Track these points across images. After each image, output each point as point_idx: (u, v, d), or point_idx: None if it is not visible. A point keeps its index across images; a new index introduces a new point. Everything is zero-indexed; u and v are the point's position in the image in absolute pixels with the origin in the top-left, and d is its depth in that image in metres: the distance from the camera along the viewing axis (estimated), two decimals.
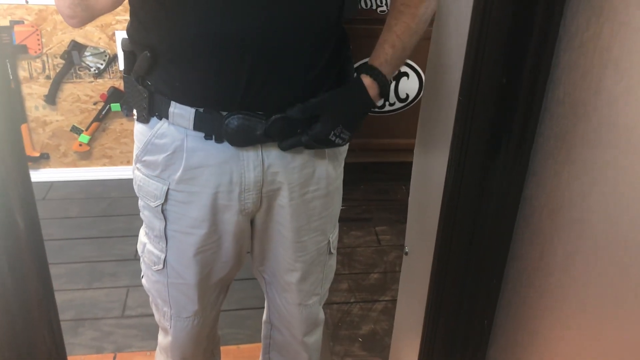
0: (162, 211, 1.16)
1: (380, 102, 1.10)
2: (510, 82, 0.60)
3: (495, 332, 0.76)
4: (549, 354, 0.66)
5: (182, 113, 1.07)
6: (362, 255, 2.59)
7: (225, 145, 1.08)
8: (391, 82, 1.22)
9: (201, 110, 1.06)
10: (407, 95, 3.09)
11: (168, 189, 1.13)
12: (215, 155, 1.10)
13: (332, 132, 1.08)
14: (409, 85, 3.08)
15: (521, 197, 0.66)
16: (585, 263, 0.56)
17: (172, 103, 1.07)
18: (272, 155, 1.12)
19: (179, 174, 1.11)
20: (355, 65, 1.17)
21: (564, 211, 0.58)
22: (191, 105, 1.06)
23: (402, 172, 3.33)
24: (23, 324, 0.69)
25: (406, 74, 3.02)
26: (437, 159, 0.76)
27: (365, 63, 1.11)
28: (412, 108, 3.12)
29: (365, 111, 1.12)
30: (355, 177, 3.30)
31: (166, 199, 1.14)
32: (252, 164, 1.11)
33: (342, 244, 2.58)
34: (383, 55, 1.09)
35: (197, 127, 1.07)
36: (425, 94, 0.84)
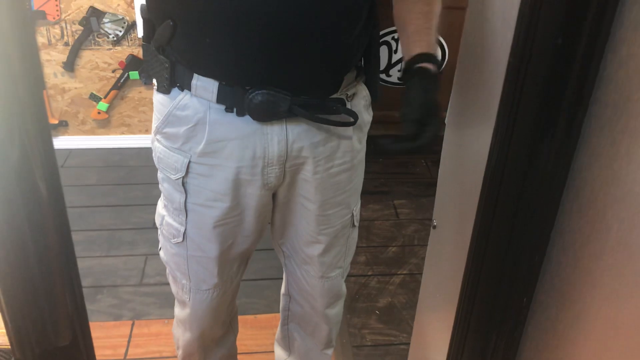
0: (183, 184, 1.14)
1: None
2: (566, 43, 0.56)
3: (534, 310, 0.73)
4: (592, 336, 0.63)
5: (205, 86, 1.04)
6: (380, 228, 2.57)
7: (249, 118, 1.05)
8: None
9: (224, 83, 1.03)
10: None
11: (189, 161, 1.11)
12: (239, 128, 1.07)
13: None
14: None
15: (571, 169, 0.62)
16: None
17: (195, 75, 1.04)
18: (297, 130, 1.09)
19: (201, 146, 1.08)
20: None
21: (620, 184, 0.55)
22: (214, 79, 1.03)
23: None
24: (45, 291, 0.67)
25: None
26: (477, 129, 0.73)
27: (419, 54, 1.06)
28: None
29: (437, 100, 1.05)
30: (374, 149, 3.27)
31: (187, 172, 1.12)
32: (276, 138, 1.08)
33: (361, 217, 2.56)
34: (429, 35, 1.06)
35: (220, 99, 1.04)
36: (462, 60, 0.80)
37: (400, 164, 3.06)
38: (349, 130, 1.15)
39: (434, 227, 1.02)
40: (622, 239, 0.55)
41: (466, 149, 0.77)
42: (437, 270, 0.96)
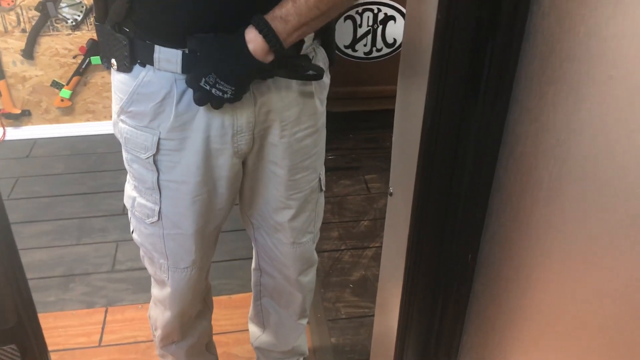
0: (155, 162, 1.12)
1: (270, 59, 1.00)
2: None
3: (479, 267, 0.74)
4: (534, 285, 0.65)
5: (168, 57, 1.02)
6: (351, 203, 2.58)
7: None
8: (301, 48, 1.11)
9: (187, 51, 1.01)
10: (395, 40, 3.02)
11: (159, 138, 1.09)
12: None
13: (204, 79, 0.99)
14: (396, 30, 3.00)
15: (504, 125, 0.63)
16: (573, 187, 0.54)
17: (156, 48, 1.02)
18: (264, 94, 1.09)
19: (170, 121, 1.07)
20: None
21: (548, 135, 0.55)
22: (178, 47, 1.01)
23: (390, 120, 3.29)
24: None
25: (393, 18, 2.95)
26: (414, 91, 0.73)
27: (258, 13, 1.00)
28: (400, 54, 3.05)
29: (246, 67, 1.01)
30: (343, 126, 3.26)
31: (157, 149, 1.11)
32: (245, 103, 1.08)
33: (332, 193, 2.57)
34: (279, 9, 0.98)
35: (186, 69, 1.02)
36: (407, 25, 0.80)
37: (370, 139, 3.07)
38: (313, 91, 1.16)
39: (391, 194, 1.02)
40: (552, 190, 0.56)
41: (407, 113, 0.77)
42: (394, 237, 0.96)
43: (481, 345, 0.77)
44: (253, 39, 0.98)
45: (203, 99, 1.02)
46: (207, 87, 1.00)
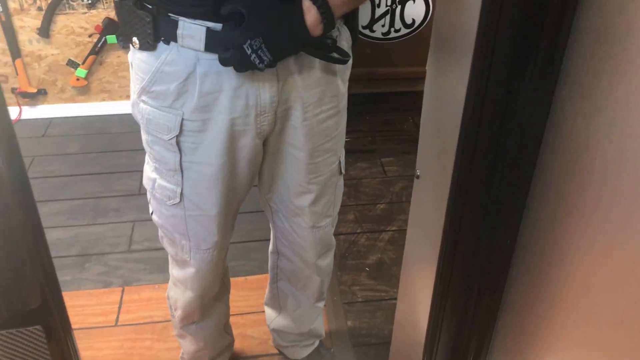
0: (177, 143, 1.10)
1: (317, 33, 0.97)
2: None
3: (517, 253, 0.72)
4: (576, 276, 0.62)
5: (191, 34, 1.00)
6: (368, 186, 2.56)
7: None
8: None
9: (211, 25, 0.98)
10: (414, 21, 2.97)
11: (182, 119, 1.07)
12: (230, 78, 1.03)
13: (249, 41, 0.95)
14: (415, 10, 2.95)
15: (552, 102, 0.60)
16: (628, 171, 0.50)
17: (180, 24, 0.99)
18: (287, 72, 1.07)
19: (194, 101, 1.05)
20: None
21: (602, 114, 0.52)
22: (202, 18, 0.98)
23: (408, 102, 3.27)
24: (10, 257, 0.65)
25: None
26: (454, 69, 0.70)
27: None
28: (418, 34, 3.00)
29: (294, 38, 0.99)
30: (360, 108, 3.22)
31: (180, 130, 1.09)
32: (268, 84, 1.06)
33: (349, 176, 2.55)
34: None
35: (209, 47, 1.00)
36: (440, 3, 0.76)
37: (387, 121, 3.03)
38: (336, 71, 1.14)
39: (417, 177, 1.00)
40: (606, 172, 0.53)
41: (445, 93, 0.74)
42: (421, 220, 0.94)
43: (516, 332, 0.75)
44: (307, 10, 0.95)
45: (240, 62, 0.98)
46: (249, 51, 0.96)
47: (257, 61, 0.98)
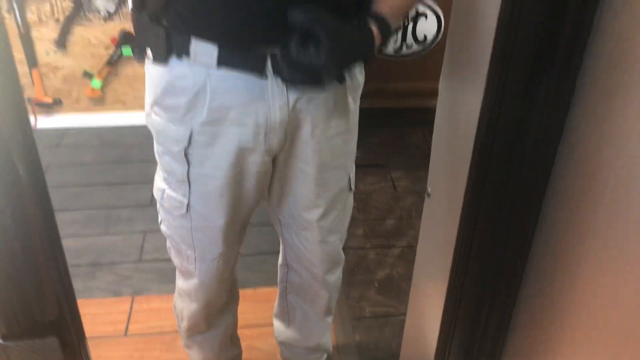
0: (185, 155, 1.12)
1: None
2: None
3: (528, 273, 0.72)
4: (590, 289, 0.62)
5: (204, 50, 1.02)
6: (377, 201, 2.56)
7: (250, 83, 1.03)
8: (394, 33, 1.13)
9: (224, 46, 1.00)
10: (425, 37, 2.98)
11: (191, 132, 1.09)
12: (240, 95, 1.05)
13: (326, 65, 0.94)
14: (427, 27, 2.96)
15: (564, 127, 0.61)
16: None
17: (193, 40, 1.01)
18: (297, 91, 1.08)
19: (203, 115, 1.07)
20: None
21: (616, 136, 0.53)
22: (215, 40, 1.00)
23: (418, 117, 3.27)
24: (27, 267, 0.66)
25: (424, 15, 2.91)
26: (468, 88, 0.71)
27: (370, 8, 1.00)
28: (430, 50, 3.01)
29: (360, 57, 1.02)
30: (370, 122, 3.23)
31: (189, 143, 1.10)
32: (278, 103, 1.07)
33: (358, 190, 2.55)
34: (388, 2, 0.97)
35: (221, 62, 1.02)
36: (454, 18, 0.77)
37: (397, 136, 3.04)
38: (345, 89, 1.15)
39: (428, 194, 1.01)
40: (618, 195, 0.54)
41: (458, 112, 0.75)
42: (431, 237, 0.95)
43: (525, 352, 0.75)
44: (376, 35, 0.97)
45: (310, 81, 1.00)
46: (324, 70, 0.96)
47: (327, 78, 1.00)
